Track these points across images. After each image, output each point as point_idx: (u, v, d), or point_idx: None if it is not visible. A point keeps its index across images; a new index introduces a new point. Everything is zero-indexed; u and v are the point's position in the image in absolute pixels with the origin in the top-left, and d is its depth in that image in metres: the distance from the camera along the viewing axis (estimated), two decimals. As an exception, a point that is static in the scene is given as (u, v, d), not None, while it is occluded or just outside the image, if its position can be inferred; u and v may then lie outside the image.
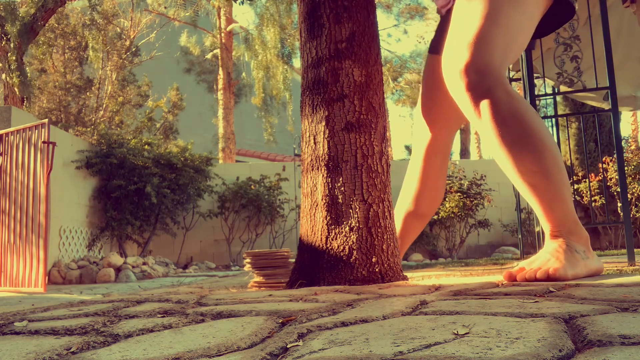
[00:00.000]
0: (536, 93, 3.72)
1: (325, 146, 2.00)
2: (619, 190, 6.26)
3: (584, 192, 9.18)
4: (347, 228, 1.93)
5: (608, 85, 3.07)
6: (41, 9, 7.68)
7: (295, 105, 13.92)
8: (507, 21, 1.80)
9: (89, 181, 7.84)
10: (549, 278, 1.58)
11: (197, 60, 16.60)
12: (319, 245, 1.96)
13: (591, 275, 1.74)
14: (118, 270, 6.53)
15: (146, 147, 8.56)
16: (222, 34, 14.03)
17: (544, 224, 1.78)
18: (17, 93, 7.38)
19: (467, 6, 1.84)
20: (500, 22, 1.78)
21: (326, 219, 1.96)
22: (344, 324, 1.02)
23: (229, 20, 14.30)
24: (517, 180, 1.75)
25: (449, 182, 9.45)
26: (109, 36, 10.89)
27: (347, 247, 1.91)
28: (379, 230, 1.94)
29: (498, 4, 1.79)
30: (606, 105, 4.46)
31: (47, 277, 5.26)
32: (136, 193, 8.04)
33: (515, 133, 1.71)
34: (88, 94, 10.62)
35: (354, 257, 1.90)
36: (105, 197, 8.07)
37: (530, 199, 1.75)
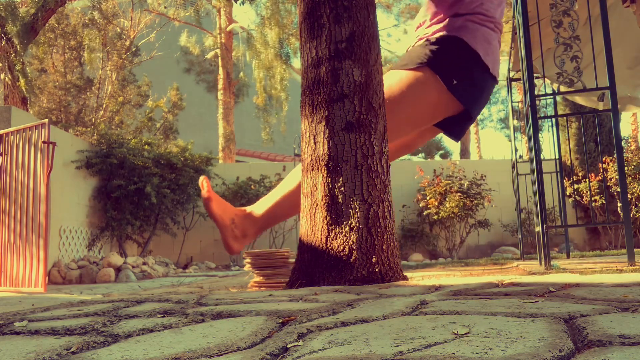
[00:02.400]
0: (536, 93, 3.72)
1: (325, 146, 2.00)
2: (619, 190, 6.25)
3: (584, 192, 9.18)
4: (347, 228, 1.93)
5: (608, 85, 3.07)
6: (41, 9, 7.67)
7: (290, 106, 13.92)
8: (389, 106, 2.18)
9: (89, 181, 7.84)
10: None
11: (197, 60, 16.59)
12: (319, 245, 1.96)
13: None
14: (118, 270, 6.52)
15: (146, 147, 8.56)
16: (222, 34, 14.03)
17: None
18: (25, 93, 7.37)
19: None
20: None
21: (326, 219, 1.96)
22: (344, 324, 1.02)
23: (229, 20, 14.30)
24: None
25: (449, 182, 9.44)
26: (109, 36, 10.89)
27: (347, 247, 1.91)
28: (378, 230, 1.94)
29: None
30: (601, 106, 4.46)
31: (47, 277, 5.26)
32: (136, 193, 8.04)
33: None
34: (88, 94, 10.61)
35: (354, 257, 1.90)
36: (105, 197, 8.07)
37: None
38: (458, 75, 2.11)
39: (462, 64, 2.13)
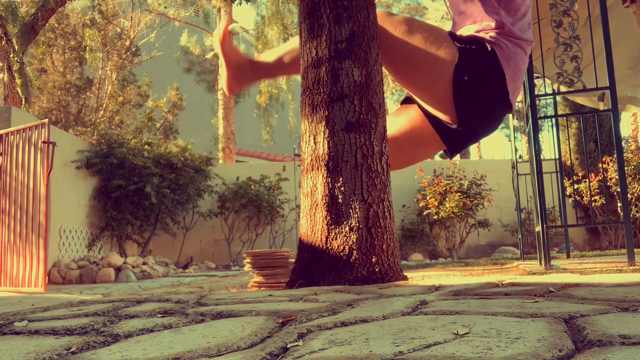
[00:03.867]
0: (536, 93, 3.72)
1: (325, 146, 2.00)
2: (619, 190, 6.26)
3: (584, 192, 9.18)
4: (347, 228, 1.93)
5: (608, 85, 3.07)
6: (41, 8, 7.68)
7: (297, 105, 13.91)
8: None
9: (89, 181, 7.84)
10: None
11: (197, 60, 16.59)
12: (319, 245, 1.96)
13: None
14: (118, 270, 6.52)
15: (146, 147, 8.56)
16: (222, 34, 14.02)
17: None
18: (20, 94, 7.38)
19: None
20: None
21: (326, 219, 1.96)
22: (344, 324, 1.02)
23: (230, 20, 14.30)
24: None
25: (449, 182, 9.44)
26: (109, 36, 10.88)
27: (347, 247, 1.91)
28: (378, 230, 1.94)
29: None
30: (601, 106, 4.46)
31: (47, 277, 5.26)
32: (136, 193, 8.04)
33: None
34: (88, 94, 10.61)
35: (354, 257, 1.90)
36: (105, 197, 8.07)
37: None
38: (472, 76, 2.01)
39: (483, 72, 2.04)
